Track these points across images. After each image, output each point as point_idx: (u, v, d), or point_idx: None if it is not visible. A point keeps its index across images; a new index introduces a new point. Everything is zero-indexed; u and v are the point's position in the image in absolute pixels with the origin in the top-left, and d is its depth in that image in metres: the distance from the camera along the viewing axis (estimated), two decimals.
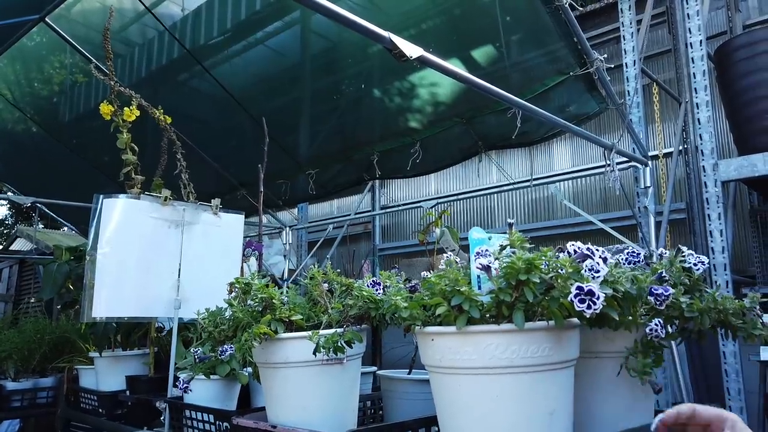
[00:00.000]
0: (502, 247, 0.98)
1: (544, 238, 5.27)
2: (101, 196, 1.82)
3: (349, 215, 6.24)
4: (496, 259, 0.92)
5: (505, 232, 1.02)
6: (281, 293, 1.39)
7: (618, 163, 3.53)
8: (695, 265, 1.13)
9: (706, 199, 3.38)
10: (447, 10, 3.14)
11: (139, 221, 1.84)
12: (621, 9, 4.00)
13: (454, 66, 3.46)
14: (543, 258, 0.89)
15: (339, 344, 1.25)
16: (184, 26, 3.84)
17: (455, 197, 5.09)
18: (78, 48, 3.81)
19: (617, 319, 0.94)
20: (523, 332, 0.89)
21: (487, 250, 0.99)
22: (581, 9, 6.06)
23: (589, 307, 0.79)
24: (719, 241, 3.31)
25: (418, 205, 4.62)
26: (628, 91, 3.86)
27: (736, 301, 1.06)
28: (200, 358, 1.53)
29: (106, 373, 2.10)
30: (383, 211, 6.22)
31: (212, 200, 2.03)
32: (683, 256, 1.14)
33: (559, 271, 0.87)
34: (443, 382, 0.98)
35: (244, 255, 2.19)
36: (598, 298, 0.79)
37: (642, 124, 3.79)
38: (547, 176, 4.86)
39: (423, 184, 6.51)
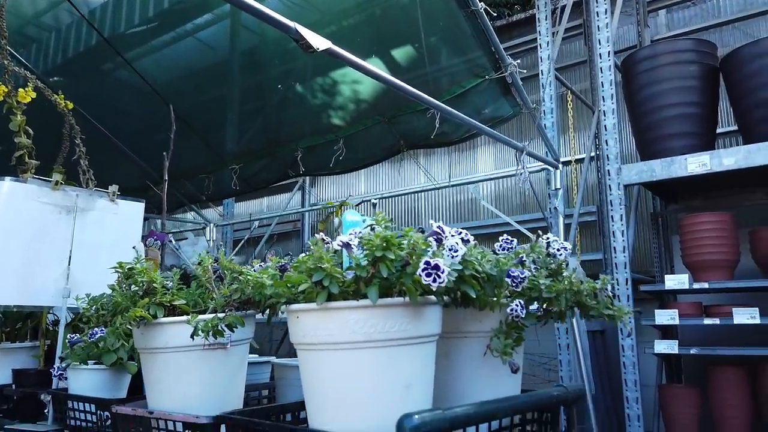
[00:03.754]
0: (371, 228, 1.01)
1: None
2: None
3: (278, 213, 6.18)
4: (360, 238, 0.95)
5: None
6: (166, 279, 1.37)
7: (531, 166, 3.69)
8: (558, 251, 1.20)
9: (610, 201, 3.58)
10: (367, 9, 3.18)
11: (25, 206, 1.76)
12: (538, 19, 4.18)
13: (375, 65, 3.51)
14: (403, 237, 0.93)
15: (219, 328, 1.24)
16: (104, 13, 3.69)
17: (380, 197, 5.14)
18: None
19: (474, 297, 0.99)
20: (380, 308, 0.92)
21: (359, 231, 1.02)
22: (508, 18, 6.28)
23: (434, 280, 0.83)
24: (621, 241, 3.51)
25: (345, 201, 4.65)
26: (543, 98, 4.04)
27: (589, 283, 1.14)
28: (72, 342, 1.48)
29: None
30: (312, 208, 6.19)
31: (110, 187, 1.97)
32: (548, 243, 1.21)
33: (416, 249, 0.91)
34: (307, 359, 1.00)
35: (145, 245, 2.14)
36: (443, 272, 0.83)
37: (555, 129, 3.97)
38: (471, 179, 4.98)
39: (353, 183, 6.53)
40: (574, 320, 3.54)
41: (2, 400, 1.98)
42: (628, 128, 4.43)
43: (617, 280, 3.47)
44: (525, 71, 3.32)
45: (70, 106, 2.32)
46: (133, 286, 1.37)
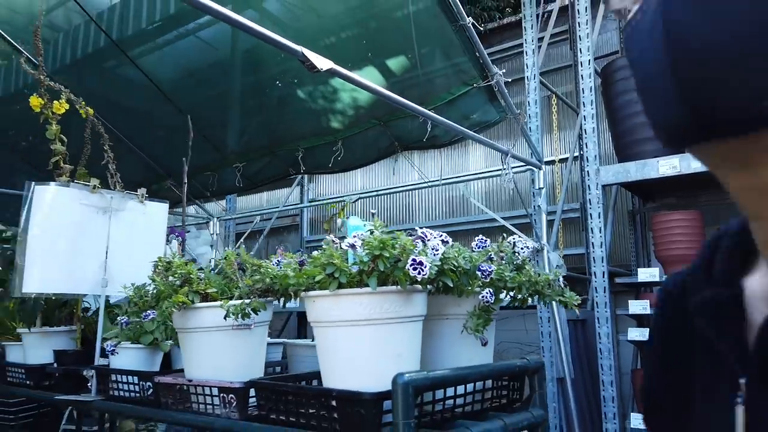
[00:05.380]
0: (371, 232, 1.29)
1: (459, 233, 5.69)
2: (33, 183, 1.99)
3: (278, 207, 6.44)
4: (363, 240, 1.22)
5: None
6: (199, 271, 1.64)
7: (516, 166, 3.97)
8: (522, 249, 1.48)
9: (589, 200, 3.87)
10: (363, 22, 3.45)
11: (68, 207, 2.02)
12: (524, 27, 4.45)
13: (369, 75, 3.78)
14: (396, 239, 1.20)
15: (246, 311, 1.52)
16: (112, 15, 3.93)
17: (376, 193, 5.41)
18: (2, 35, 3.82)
19: (452, 286, 1.27)
20: (378, 294, 1.20)
21: (361, 234, 1.30)
22: (499, 21, 6.54)
23: (419, 273, 1.11)
24: (598, 237, 3.80)
25: (343, 199, 4.91)
26: (528, 102, 4.32)
27: (545, 275, 1.42)
28: (125, 322, 1.75)
29: (35, 348, 2.26)
30: (311, 204, 6.46)
31: (138, 189, 2.24)
32: (514, 243, 1.49)
33: (405, 249, 1.19)
34: (322, 334, 1.28)
35: (167, 241, 2.40)
36: (425, 267, 1.11)
37: (539, 131, 4.26)
38: (461, 177, 5.26)
39: (350, 180, 6.80)
40: (555, 310, 3.84)
41: (45, 376, 2.25)
42: (607, 131, 4.72)
43: (594, 273, 3.76)
44: (510, 79, 3.60)
45: (91, 112, 2.57)
46: (171, 277, 1.64)
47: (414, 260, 1.11)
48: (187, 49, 4.04)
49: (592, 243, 3.83)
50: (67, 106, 2.40)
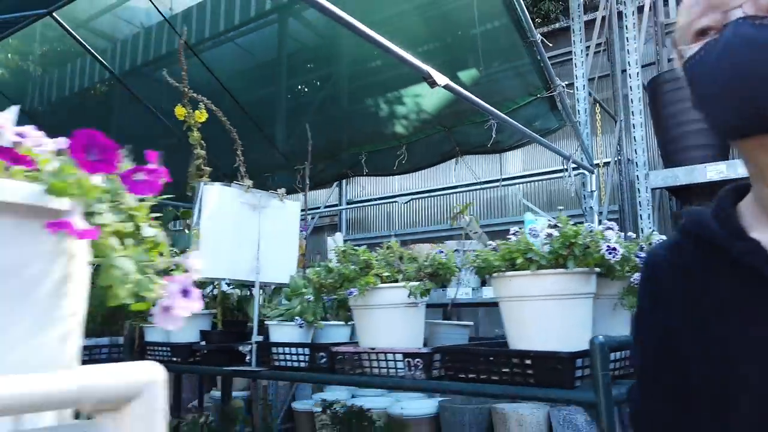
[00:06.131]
0: (551, 226, 1.59)
1: (497, 232, 6.00)
2: (202, 183, 2.28)
3: (319, 208, 6.74)
4: (548, 233, 1.52)
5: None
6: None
7: (564, 170, 4.28)
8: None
9: (639, 202, 4.18)
10: (440, 38, 3.75)
11: (229, 204, 2.32)
12: (573, 41, 4.76)
13: None
14: (582, 231, 1.50)
15: (423, 291, 1.82)
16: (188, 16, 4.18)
17: (417, 194, 5.70)
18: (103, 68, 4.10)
19: (619, 269, 1.58)
20: (569, 274, 1.50)
21: (535, 228, 1.60)
22: (548, 27, 6.84)
23: (613, 256, 1.41)
24: None
25: (394, 200, 5.21)
26: (578, 110, 4.63)
27: None
28: (329, 300, 2.05)
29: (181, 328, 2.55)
30: (352, 205, 6.75)
31: (278, 190, 2.53)
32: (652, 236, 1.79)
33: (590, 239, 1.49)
34: (515, 307, 1.58)
35: None
36: (618, 252, 1.41)
37: (588, 138, 4.57)
38: (505, 178, 5.57)
39: (387, 181, 7.10)
40: None
41: (191, 353, 2.54)
42: (648, 137, 5.03)
43: None
44: (570, 91, 3.91)
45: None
46: (348, 263, 1.93)
47: (609, 246, 1.41)
48: (252, 46, 4.30)
49: None
50: (206, 115, 2.69)
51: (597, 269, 1.54)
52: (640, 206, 4.16)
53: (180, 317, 0.80)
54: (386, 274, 1.90)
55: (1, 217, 0.69)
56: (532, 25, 3.47)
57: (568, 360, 1.45)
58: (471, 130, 4.22)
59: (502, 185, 4.88)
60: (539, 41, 3.51)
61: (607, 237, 1.50)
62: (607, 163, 5.11)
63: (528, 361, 1.51)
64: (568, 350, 1.47)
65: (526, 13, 3.38)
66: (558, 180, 5.77)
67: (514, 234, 1.58)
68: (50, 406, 0.56)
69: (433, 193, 5.80)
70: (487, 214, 6.41)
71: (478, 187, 5.09)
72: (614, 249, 1.41)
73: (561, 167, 4.50)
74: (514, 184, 5.26)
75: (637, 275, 1.66)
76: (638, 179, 4.22)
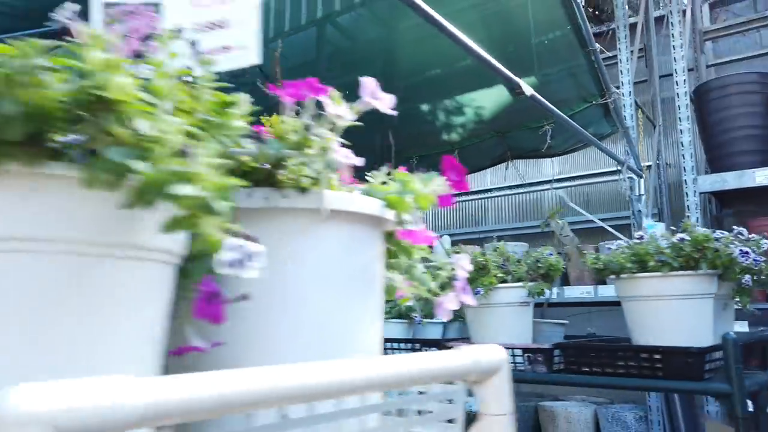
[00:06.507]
0: (673, 232, 1.72)
1: (527, 236, 6.13)
2: None
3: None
4: (681, 238, 1.65)
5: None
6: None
7: (611, 172, 4.41)
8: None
9: (687, 206, 4.30)
10: (501, 47, 3.88)
11: None
12: (619, 49, 4.88)
13: (500, 92, 4.17)
14: (707, 234, 1.64)
15: (540, 291, 1.95)
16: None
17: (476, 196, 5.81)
18: None
19: (737, 271, 1.70)
20: (697, 275, 1.63)
21: (655, 231, 1.73)
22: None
23: (746, 259, 1.54)
24: None
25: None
26: (624, 116, 4.76)
27: None
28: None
29: None
30: None
31: None
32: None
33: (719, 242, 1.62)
34: (642, 306, 1.71)
35: None
36: (750, 255, 1.54)
37: (635, 143, 4.70)
38: (547, 180, 5.70)
39: None
40: None
41: None
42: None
43: None
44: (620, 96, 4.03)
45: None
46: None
47: (741, 251, 1.54)
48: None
49: None
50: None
51: (717, 270, 1.67)
52: (688, 210, 4.28)
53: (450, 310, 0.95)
54: (500, 274, 2.04)
55: (360, 226, 0.83)
56: (591, 35, 3.60)
57: (700, 355, 1.58)
58: (525, 135, 4.35)
59: (554, 188, 5.00)
60: (597, 50, 3.64)
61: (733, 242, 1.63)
62: (648, 167, 5.24)
63: (657, 356, 1.64)
64: (693, 345, 1.60)
65: (587, 21, 3.51)
66: (594, 184, 5.90)
67: (639, 238, 1.72)
68: (454, 377, 0.70)
69: (464, 197, 5.92)
70: (521, 217, 6.54)
71: (512, 191, 5.22)
72: (746, 252, 1.54)
73: (596, 171, 4.65)
74: (565, 187, 5.39)
75: (747, 276, 1.79)
76: (686, 183, 4.34)
